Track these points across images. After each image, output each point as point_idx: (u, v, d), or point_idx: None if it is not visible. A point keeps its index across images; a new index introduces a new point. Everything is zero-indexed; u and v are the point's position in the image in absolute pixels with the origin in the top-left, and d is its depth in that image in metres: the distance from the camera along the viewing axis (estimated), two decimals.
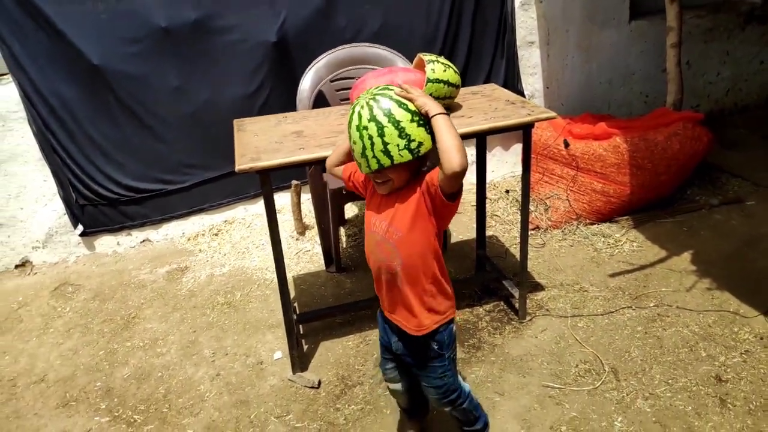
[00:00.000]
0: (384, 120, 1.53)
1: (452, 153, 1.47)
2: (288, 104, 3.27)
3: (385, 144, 1.53)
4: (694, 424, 2.02)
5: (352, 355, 2.50)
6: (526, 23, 3.71)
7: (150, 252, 3.44)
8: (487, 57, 3.66)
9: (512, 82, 3.73)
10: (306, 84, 3.06)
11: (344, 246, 3.31)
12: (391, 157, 1.54)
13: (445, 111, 1.54)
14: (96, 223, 3.38)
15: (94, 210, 3.34)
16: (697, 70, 4.25)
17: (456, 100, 2.43)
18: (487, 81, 3.63)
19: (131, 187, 3.34)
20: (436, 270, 1.68)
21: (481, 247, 2.92)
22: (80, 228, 3.34)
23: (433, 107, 1.54)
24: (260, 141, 2.21)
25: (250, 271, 3.16)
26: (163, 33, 3.09)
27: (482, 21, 3.57)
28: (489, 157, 3.61)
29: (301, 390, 2.33)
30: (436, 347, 1.72)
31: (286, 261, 2.72)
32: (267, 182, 2.10)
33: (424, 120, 1.55)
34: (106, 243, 3.46)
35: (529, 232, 2.69)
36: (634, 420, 2.05)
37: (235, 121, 2.45)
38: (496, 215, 3.48)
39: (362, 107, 1.56)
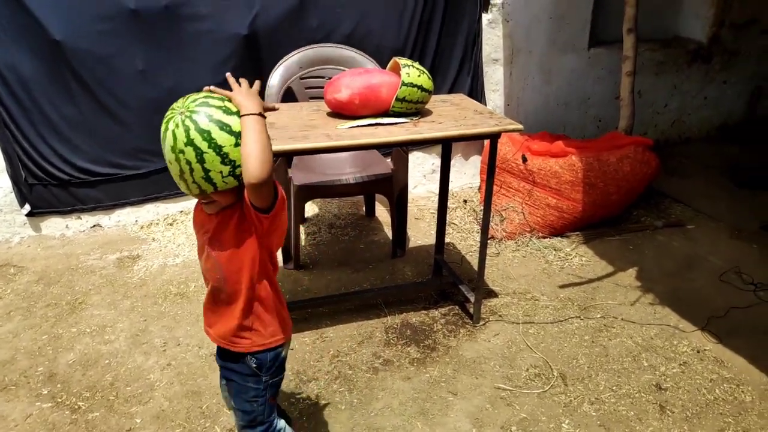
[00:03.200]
0: (203, 145, 1.31)
1: (248, 161, 1.31)
2: None
3: (206, 171, 1.34)
4: (636, 428, 2.12)
5: (308, 351, 2.49)
6: (492, 41, 3.83)
7: (100, 238, 3.33)
8: (453, 69, 3.75)
9: (476, 96, 3.83)
10: (275, 79, 3.06)
11: (303, 243, 3.30)
12: (214, 184, 1.36)
13: (259, 112, 1.36)
14: (44, 204, 3.25)
15: (44, 190, 3.21)
16: (646, 100, 4.48)
17: (426, 107, 2.48)
18: (451, 92, 3.71)
19: (84, 169, 3.23)
20: (262, 291, 1.55)
21: (439, 252, 2.98)
22: (27, 208, 3.21)
23: (246, 106, 1.35)
24: None
25: None
26: (132, 14, 3.02)
27: (452, 34, 3.66)
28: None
29: None
30: (254, 365, 1.61)
31: None
32: None
33: None
34: (53, 225, 3.32)
35: None
36: (580, 423, 2.14)
37: None
38: (454, 223, 3.55)
39: (177, 126, 1.32)
